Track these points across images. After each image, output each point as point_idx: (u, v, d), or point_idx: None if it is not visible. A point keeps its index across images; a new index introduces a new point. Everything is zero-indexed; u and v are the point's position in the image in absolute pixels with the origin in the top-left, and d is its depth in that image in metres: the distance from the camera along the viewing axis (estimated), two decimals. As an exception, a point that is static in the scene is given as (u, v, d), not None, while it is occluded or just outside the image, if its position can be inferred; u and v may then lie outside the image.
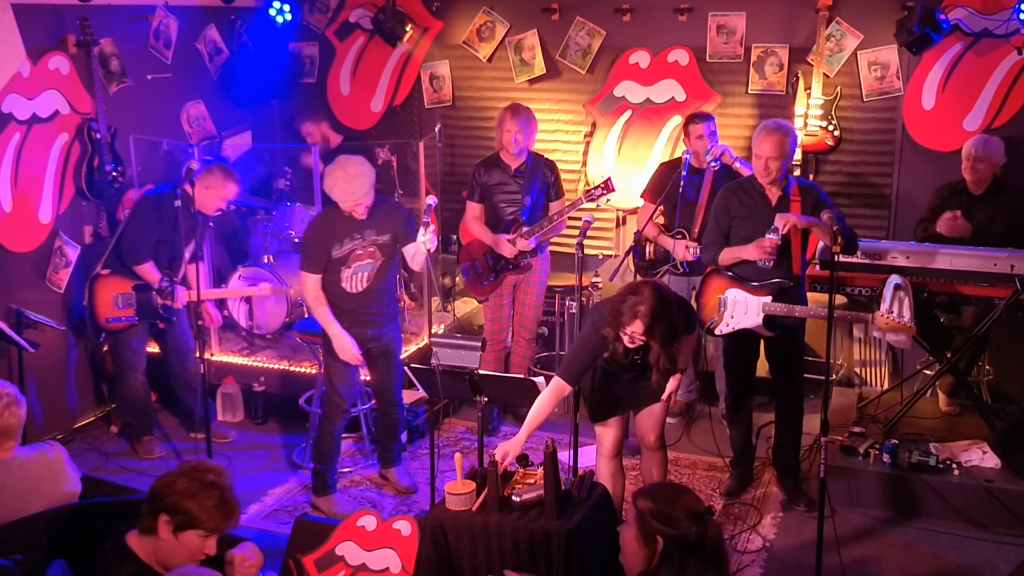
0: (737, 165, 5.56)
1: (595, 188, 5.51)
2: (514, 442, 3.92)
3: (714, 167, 5.58)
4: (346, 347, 4.79)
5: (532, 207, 5.67)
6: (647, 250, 5.91)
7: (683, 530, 2.65)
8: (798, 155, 6.02)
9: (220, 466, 2.93)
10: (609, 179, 5.47)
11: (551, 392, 4.02)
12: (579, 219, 4.88)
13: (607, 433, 4.38)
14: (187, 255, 5.50)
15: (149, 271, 5.38)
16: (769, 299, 4.66)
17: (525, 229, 5.61)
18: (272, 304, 6.27)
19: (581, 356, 4.11)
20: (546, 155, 6.05)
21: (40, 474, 3.41)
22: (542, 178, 5.67)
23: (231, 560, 2.96)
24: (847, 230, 4.42)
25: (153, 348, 5.79)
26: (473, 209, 5.79)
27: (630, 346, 3.95)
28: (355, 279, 4.82)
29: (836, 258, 4.17)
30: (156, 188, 5.58)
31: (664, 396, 4.21)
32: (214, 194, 5.42)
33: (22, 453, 3.43)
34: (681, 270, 5.73)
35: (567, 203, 5.74)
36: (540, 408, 4.00)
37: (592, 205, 5.61)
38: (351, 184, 4.61)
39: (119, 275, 5.43)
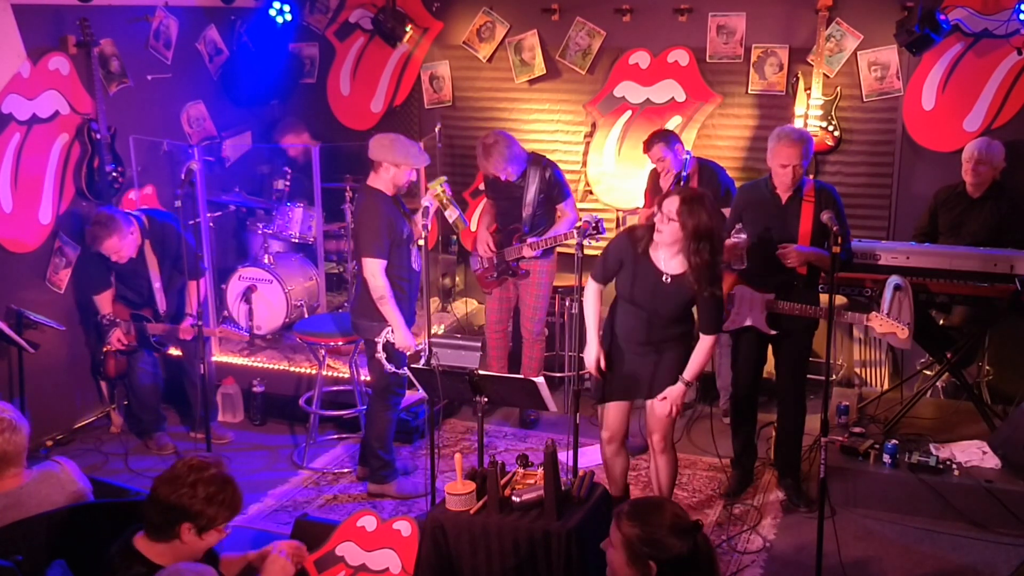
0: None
1: (585, 225, 5.17)
2: (593, 346, 4.36)
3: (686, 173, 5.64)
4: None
5: (532, 216, 5.71)
6: None
7: (675, 551, 2.61)
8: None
9: (216, 457, 3.00)
10: (600, 222, 4.83)
11: (590, 292, 4.41)
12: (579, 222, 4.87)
13: (605, 414, 4.47)
14: (156, 284, 5.54)
15: (100, 302, 5.55)
16: (772, 297, 4.67)
17: (518, 244, 5.72)
18: (272, 304, 6.27)
19: (608, 257, 4.35)
20: (546, 155, 6.03)
21: (50, 496, 3.31)
22: (540, 183, 5.67)
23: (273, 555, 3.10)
24: (847, 234, 4.39)
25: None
26: (483, 204, 6.05)
27: (661, 227, 4.09)
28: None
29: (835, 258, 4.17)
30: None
31: (667, 399, 4.25)
32: (119, 242, 5.34)
33: (28, 476, 3.32)
34: None
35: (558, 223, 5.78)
36: (591, 308, 4.40)
37: (574, 240, 5.40)
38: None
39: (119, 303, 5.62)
